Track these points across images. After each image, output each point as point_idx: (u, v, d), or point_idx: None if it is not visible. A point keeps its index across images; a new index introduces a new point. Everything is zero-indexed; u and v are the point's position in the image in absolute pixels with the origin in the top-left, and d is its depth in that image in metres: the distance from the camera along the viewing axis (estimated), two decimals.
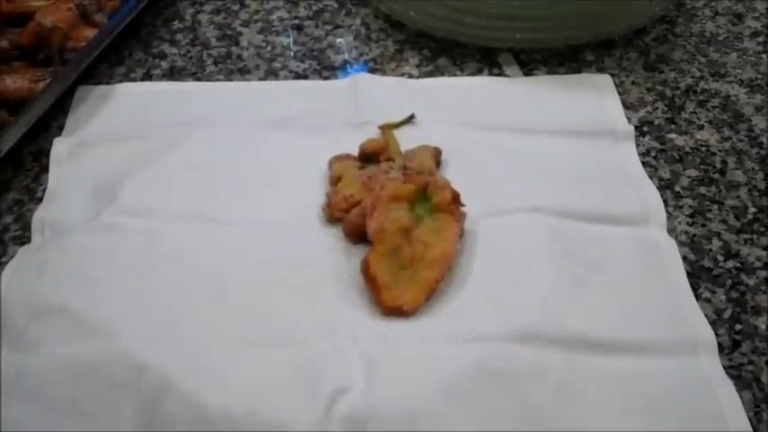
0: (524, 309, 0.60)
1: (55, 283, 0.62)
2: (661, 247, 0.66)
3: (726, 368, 0.58)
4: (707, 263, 0.65)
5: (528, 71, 0.84)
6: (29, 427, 0.55)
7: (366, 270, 0.61)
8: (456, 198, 0.65)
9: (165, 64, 0.85)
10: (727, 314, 0.62)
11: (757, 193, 0.71)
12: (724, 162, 0.74)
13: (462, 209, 0.65)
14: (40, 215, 0.69)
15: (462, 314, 0.60)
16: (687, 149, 0.75)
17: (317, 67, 0.85)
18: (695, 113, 0.79)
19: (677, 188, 0.71)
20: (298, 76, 0.84)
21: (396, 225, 0.62)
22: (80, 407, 0.55)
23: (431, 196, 0.65)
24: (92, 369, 0.56)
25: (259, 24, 0.91)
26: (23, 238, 0.68)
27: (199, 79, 0.84)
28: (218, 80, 0.84)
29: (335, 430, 0.53)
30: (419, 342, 0.59)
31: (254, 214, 0.68)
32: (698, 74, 0.84)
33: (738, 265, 0.65)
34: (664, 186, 0.71)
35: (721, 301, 0.63)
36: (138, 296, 0.61)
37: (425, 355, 0.58)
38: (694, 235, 0.67)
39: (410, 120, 0.76)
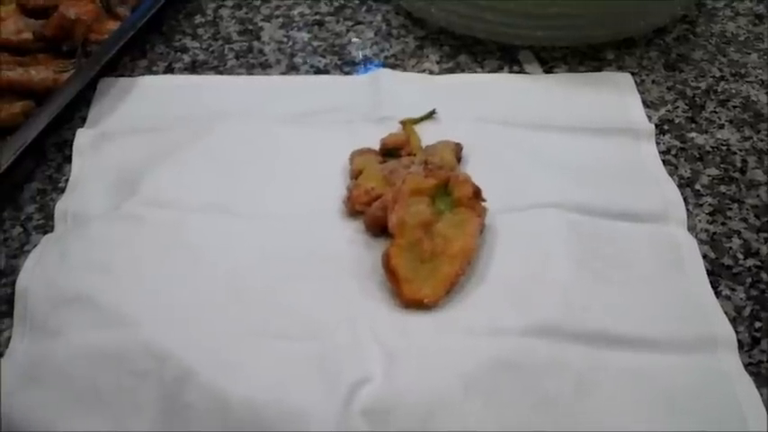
0: (544, 303, 0.60)
1: (77, 271, 0.62)
2: (681, 245, 0.66)
3: (745, 365, 0.58)
4: (727, 261, 0.65)
5: (548, 69, 0.84)
6: (51, 414, 0.55)
7: (387, 263, 0.61)
8: (477, 193, 0.65)
9: (186, 58, 0.86)
10: (746, 312, 0.62)
11: None
12: (744, 161, 0.74)
13: (483, 204, 0.65)
14: (63, 205, 0.69)
15: (482, 308, 0.61)
16: (707, 148, 0.75)
17: (338, 63, 0.85)
18: (716, 113, 0.79)
19: (697, 186, 0.71)
20: (318, 72, 0.84)
21: (416, 219, 0.63)
22: (101, 395, 0.55)
23: (452, 191, 0.65)
24: (113, 358, 0.57)
25: (280, 20, 0.91)
26: (46, 227, 0.68)
27: (220, 73, 0.84)
28: (239, 74, 0.84)
29: (355, 422, 0.53)
30: (438, 335, 0.59)
31: (274, 207, 0.68)
32: (718, 74, 0.83)
33: (758, 263, 0.65)
34: (684, 185, 0.71)
35: (741, 298, 0.63)
36: (160, 286, 0.62)
37: (444, 349, 0.58)
38: (714, 233, 0.67)
39: (431, 115, 0.76)
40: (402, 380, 0.56)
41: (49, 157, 0.75)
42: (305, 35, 0.89)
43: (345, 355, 0.57)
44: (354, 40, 0.87)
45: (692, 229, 0.67)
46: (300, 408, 0.54)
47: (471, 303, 0.61)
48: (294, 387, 0.56)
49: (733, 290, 0.63)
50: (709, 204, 0.70)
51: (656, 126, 0.77)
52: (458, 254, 0.62)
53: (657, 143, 0.75)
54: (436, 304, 0.60)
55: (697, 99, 0.80)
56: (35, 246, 0.66)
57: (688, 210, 0.69)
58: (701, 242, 0.66)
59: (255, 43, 0.88)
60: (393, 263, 0.61)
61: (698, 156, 0.74)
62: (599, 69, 0.84)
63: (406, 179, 0.65)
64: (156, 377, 0.56)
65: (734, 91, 0.81)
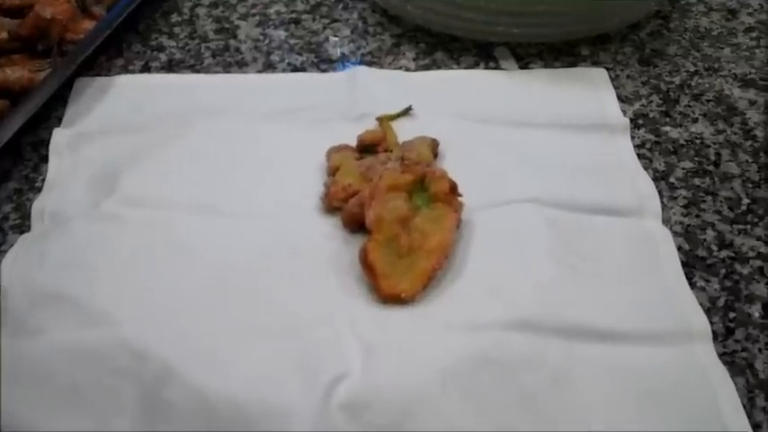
0: (521, 298, 0.61)
1: (55, 271, 0.62)
2: (656, 238, 0.66)
3: (720, 355, 0.59)
4: (701, 252, 0.66)
5: (524, 65, 0.85)
6: (30, 413, 0.55)
7: (364, 258, 0.61)
8: (453, 188, 0.65)
9: (163, 56, 0.86)
10: (721, 302, 0.62)
11: (750, 185, 0.72)
12: (718, 154, 0.75)
13: (460, 199, 0.66)
14: (40, 204, 0.69)
15: (460, 303, 0.61)
16: (682, 142, 0.76)
17: (315, 60, 0.85)
18: (689, 107, 0.80)
19: (672, 179, 0.72)
20: (295, 69, 0.84)
21: (394, 214, 0.63)
22: (81, 393, 0.55)
23: (428, 186, 0.65)
24: (93, 356, 0.57)
25: (257, 18, 0.91)
26: (23, 227, 0.68)
27: (197, 72, 0.84)
28: (216, 73, 0.84)
29: (334, 417, 0.54)
30: (417, 330, 0.59)
31: (252, 204, 0.68)
32: (692, 68, 0.84)
33: (732, 254, 0.66)
34: (659, 178, 0.72)
35: (715, 289, 0.63)
36: (138, 284, 0.62)
37: (423, 344, 0.58)
38: (689, 225, 0.68)
39: (407, 112, 0.76)
40: (381, 375, 0.56)
41: (25, 156, 0.75)
42: (281, 33, 0.89)
43: (324, 350, 0.58)
44: (332, 38, 0.88)
45: (666, 221, 0.68)
46: (280, 404, 0.55)
47: (449, 299, 0.61)
48: (274, 383, 0.56)
49: (707, 281, 0.64)
50: (684, 197, 0.70)
51: (631, 120, 0.77)
52: (435, 249, 0.62)
53: (632, 137, 0.76)
54: (414, 299, 0.61)
55: (671, 93, 0.81)
56: (11, 246, 0.65)
57: (663, 203, 0.69)
58: (675, 234, 0.67)
59: (232, 42, 0.88)
60: (370, 258, 0.61)
61: (672, 149, 0.75)
62: (574, 65, 0.84)
63: (383, 175, 0.65)
64: (136, 375, 0.56)
65: (707, 85, 0.82)
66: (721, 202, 0.70)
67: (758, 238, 0.67)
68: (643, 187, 0.71)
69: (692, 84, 0.82)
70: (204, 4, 0.93)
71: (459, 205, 0.65)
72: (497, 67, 0.84)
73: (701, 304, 0.61)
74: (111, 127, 0.76)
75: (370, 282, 0.61)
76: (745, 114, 0.78)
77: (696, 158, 0.74)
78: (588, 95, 0.80)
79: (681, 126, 0.77)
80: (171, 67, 0.85)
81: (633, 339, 0.59)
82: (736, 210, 0.69)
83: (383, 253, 0.62)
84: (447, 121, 0.76)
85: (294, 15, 0.91)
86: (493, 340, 0.58)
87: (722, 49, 0.87)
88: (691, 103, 0.80)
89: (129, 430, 0.54)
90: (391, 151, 0.71)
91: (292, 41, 0.88)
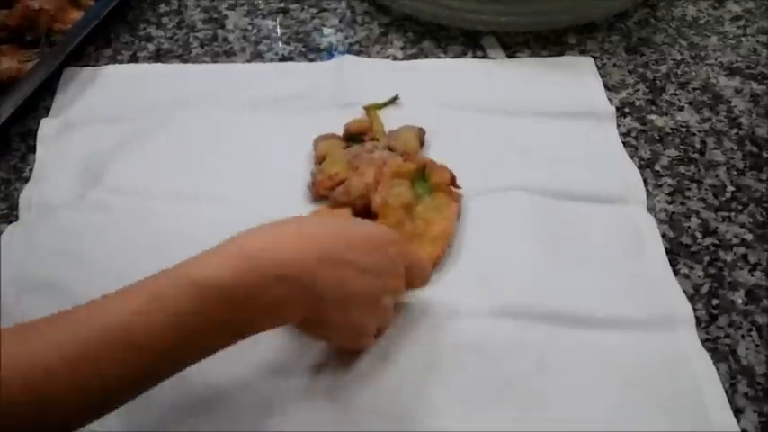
0: (507, 285, 0.61)
1: (43, 259, 0.63)
2: (641, 225, 0.67)
3: (703, 341, 0.59)
4: (685, 240, 0.66)
5: (511, 54, 0.85)
6: None
7: None
8: (453, 179, 0.66)
9: (151, 46, 0.86)
10: (704, 289, 0.63)
11: (735, 173, 0.72)
12: (703, 142, 0.75)
13: (458, 190, 0.66)
14: (27, 194, 0.69)
15: (446, 290, 0.61)
16: (667, 130, 0.76)
17: (303, 50, 0.85)
18: (676, 95, 0.80)
19: (657, 167, 0.72)
20: (283, 59, 0.84)
21: (399, 200, 0.64)
22: None
23: (429, 176, 0.66)
24: None
25: (245, 8, 0.91)
26: (11, 217, 0.68)
27: (185, 62, 0.84)
28: (204, 62, 0.84)
29: (318, 400, 0.55)
30: (403, 316, 0.60)
31: (239, 193, 0.68)
32: (679, 57, 0.85)
33: (716, 241, 0.66)
34: (644, 166, 0.72)
35: (699, 276, 0.64)
36: (124, 272, 0.61)
37: (408, 330, 0.59)
38: (673, 213, 0.69)
39: (394, 101, 0.77)
40: (365, 360, 0.57)
41: (13, 146, 0.75)
42: (269, 23, 0.89)
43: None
44: (327, 31, 0.88)
45: (651, 209, 0.68)
46: (264, 390, 0.55)
47: (436, 285, 0.61)
48: (259, 369, 0.56)
49: (691, 268, 0.64)
50: (669, 185, 0.71)
51: (618, 109, 0.78)
52: (439, 236, 0.63)
53: (618, 125, 0.76)
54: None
55: (657, 82, 0.81)
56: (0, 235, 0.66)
57: (648, 190, 0.70)
58: (660, 222, 0.67)
59: (220, 31, 0.88)
60: None
61: (658, 137, 0.75)
62: (561, 54, 0.85)
63: (388, 162, 0.66)
64: None
65: (694, 74, 0.82)
66: (706, 189, 0.71)
67: (742, 226, 0.67)
68: (628, 175, 0.71)
69: (679, 72, 0.83)
70: None
71: (458, 196, 0.66)
72: (485, 56, 0.84)
73: (684, 291, 0.62)
74: (99, 117, 0.77)
75: None
76: (730, 103, 0.79)
77: (681, 146, 0.74)
78: (575, 84, 0.81)
79: (667, 114, 0.78)
80: (159, 56, 0.85)
81: (617, 326, 0.60)
82: (721, 197, 0.70)
83: None
84: (434, 109, 0.76)
85: (282, 5, 0.92)
86: (478, 327, 0.59)
87: (709, 37, 0.87)
88: (677, 92, 0.80)
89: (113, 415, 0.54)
90: (378, 140, 0.71)
91: (280, 31, 0.88)
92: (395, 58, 0.84)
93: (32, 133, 0.75)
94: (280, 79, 0.81)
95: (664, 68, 0.83)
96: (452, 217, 0.65)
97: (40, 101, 0.78)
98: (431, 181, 0.66)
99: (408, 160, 0.67)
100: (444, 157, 0.69)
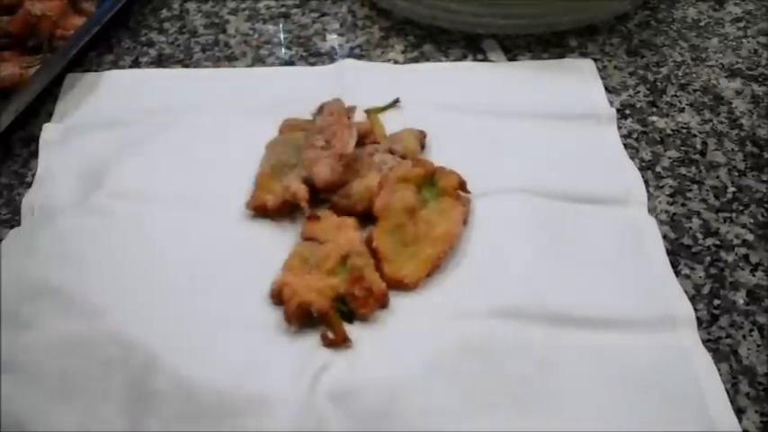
0: (507, 286, 0.61)
1: (45, 264, 0.63)
2: (642, 226, 0.67)
3: (704, 342, 0.59)
4: (687, 241, 0.66)
5: (512, 57, 0.85)
6: (20, 404, 0.55)
7: (369, 243, 0.62)
8: (462, 184, 0.66)
9: (153, 52, 0.86)
10: (705, 290, 0.63)
11: (736, 174, 0.72)
12: (704, 144, 0.75)
13: (467, 195, 0.67)
14: (30, 199, 0.70)
15: (446, 291, 0.61)
16: (668, 131, 0.76)
17: (304, 54, 0.85)
18: (676, 97, 0.80)
19: (658, 169, 0.72)
20: (285, 64, 0.85)
21: (401, 203, 0.64)
22: (70, 384, 0.56)
23: (438, 181, 0.66)
24: (81, 347, 0.57)
25: (246, 12, 0.92)
26: (13, 222, 0.68)
27: (186, 67, 0.85)
28: (205, 67, 0.84)
29: (321, 405, 0.54)
30: (402, 319, 0.60)
31: (239, 199, 0.68)
32: (679, 58, 0.85)
33: (717, 242, 0.66)
34: (645, 167, 0.72)
35: (700, 277, 0.64)
36: (126, 276, 0.62)
37: (409, 331, 0.59)
38: (674, 214, 0.69)
39: (395, 104, 0.77)
40: (365, 363, 0.57)
41: (15, 152, 0.75)
42: (271, 27, 0.89)
43: (310, 339, 0.58)
44: (328, 35, 0.88)
45: (652, 210, 0.68)
46: (266, 393, 0.55)
47: (436, 286, 0.62)
48: (260, 371, 0.56)
49: (692, 269, 0.64)
50: (670, 186, 0.71)
51: (618, 111, 0.78)
52: (440, 237, 0.63)
53: (619, 127, 0.76)
54: (417, 285, 0.61)
55: (658, 84, 0.81)
56: (1, 240, 0.66)
57: (649, 192, 0.70)
58: (661, 223, 0.67)
59: (222, 36, 0.88)
60: (375, 243, 0.62)
61: (659, 139, 0.75)
62: (562, 56, 0.85)
63: (395, 167, 0.66)
64: (123, 365, 0.56)
65: (694, 75, 0.82)
66: (707, 190, 0.71)
67: (743, 226, 0.67)
68: (629, 176, 0.71)
69: (680, 74, 0.83)
70: None
71: (466, 201, 0.66)
72: (486, 59, 0.84)
73: (685, 291, 0.62)
74: (101, 122, 0.77)
75: (375, 267, 0.61)
76: (731, 104, 0.79)
77: (682, 148, 0.75)
78: (576, 86, 0.81)
79: (667, 116, 0.78)
80: (161, 61, 0.85)
81: (618, 326, 0.60)
82: (722, 198, 0.70)
83: (388, 239, 0.62)
84: (434, 112, 0.76)
85: (283, 10, 0.92)
86: (478, 328, 0.59)
87: (709, 39, 0.87)
88: (677, 93, 0.80)
89: (116, 418, 0.54)
90: (379, 143, 0.71)
91: (282, 36, 0.88)
92: (396, 62, 0.84)
93: (35, 139, 0.75)
94: (281, 83, 0.81)
95: (664, 70, 0.83)
96: (457, 220, 0.65)
97: (42, 106, 0.79)
98: (438, 186, 0.66)
99: (418, 165, 0.67)
100: (445, 159, 0.69)
